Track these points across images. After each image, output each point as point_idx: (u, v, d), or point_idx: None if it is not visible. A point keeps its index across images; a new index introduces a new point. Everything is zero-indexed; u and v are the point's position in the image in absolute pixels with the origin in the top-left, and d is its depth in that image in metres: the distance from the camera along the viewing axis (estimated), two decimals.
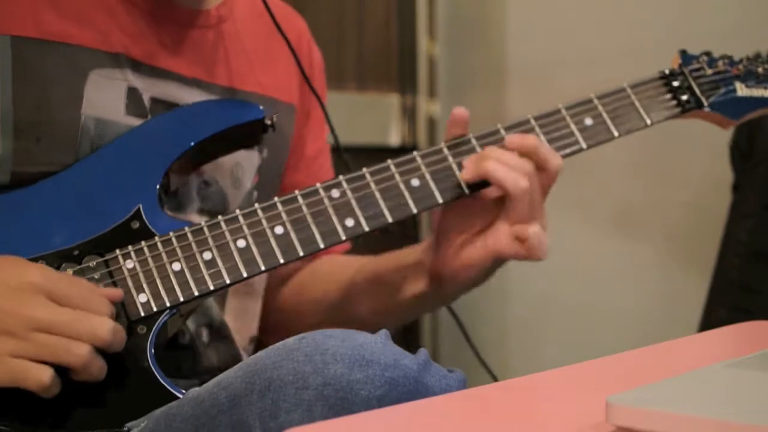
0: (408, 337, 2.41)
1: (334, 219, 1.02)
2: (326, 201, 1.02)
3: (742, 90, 1.16)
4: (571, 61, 2.26)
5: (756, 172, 1.75)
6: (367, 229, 1.03)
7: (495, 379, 1.27)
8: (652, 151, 2.24)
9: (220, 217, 1.00)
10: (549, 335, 2.38)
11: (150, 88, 1.06)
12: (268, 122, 1.06)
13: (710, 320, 1.77)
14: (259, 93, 1.17)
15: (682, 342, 0.94)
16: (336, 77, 2.41)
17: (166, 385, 0.94)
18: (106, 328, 0.90)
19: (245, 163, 1.14)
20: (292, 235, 1.00)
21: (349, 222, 1.02)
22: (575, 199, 2.36)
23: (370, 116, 2.46)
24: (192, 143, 1.04)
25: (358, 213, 1.03)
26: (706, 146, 2.07)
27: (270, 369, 0.80)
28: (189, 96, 1.09)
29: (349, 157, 1.19)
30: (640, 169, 2.25)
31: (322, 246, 1.01)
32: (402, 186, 1.04)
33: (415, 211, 1.05)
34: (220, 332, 1.13)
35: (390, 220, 1.03)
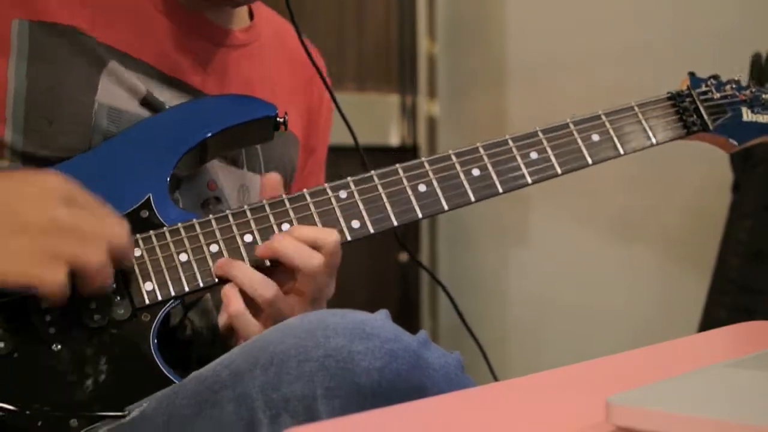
0: None
1: (341, 219, 1.03)
2: (333, 201, 1.03)
3: (747, 115, 1.18)
4: (571, 61, 2.26)
5: (756, 172, 1.75)
6: (372, 231, 1.04)
7: (496, 378, 1.27)
8: (652, 152, 2.24)
9: (227, 211, 1.02)
10: (549, 337, 2.38)
11: (169, 100, 1.08)
12: (280, 119, 1.08)
13: (710, 320, 1.78)
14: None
15: (682, 342, 0.94)
16: (336, 77, 2.41)
17: (166, 373, 0.95)
18: (123, 230, 0.93)
19: (251, 186, 1.15)
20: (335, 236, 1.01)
21: (355, 224, 1.03)
22: (575, 201, 2.36)
23: (370, 116, 2.46)
24: (204, 136, 1.05)
25: (365, 215, 1.04)
26: (706, 147, 2.07)
27: (273, 345, 0.82)
28: None
29: (365, 156, 1.21)
30: (639, 171, 2.25)
31: None
32: (409, 191, 1.06)
33: (420, 216, 1.06)
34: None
35: (395, 224, 1.05)
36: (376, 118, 2.50)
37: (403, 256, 2.51)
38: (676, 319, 2.06)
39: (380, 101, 2.52)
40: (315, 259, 0.99)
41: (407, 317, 2.50)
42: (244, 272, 0.99)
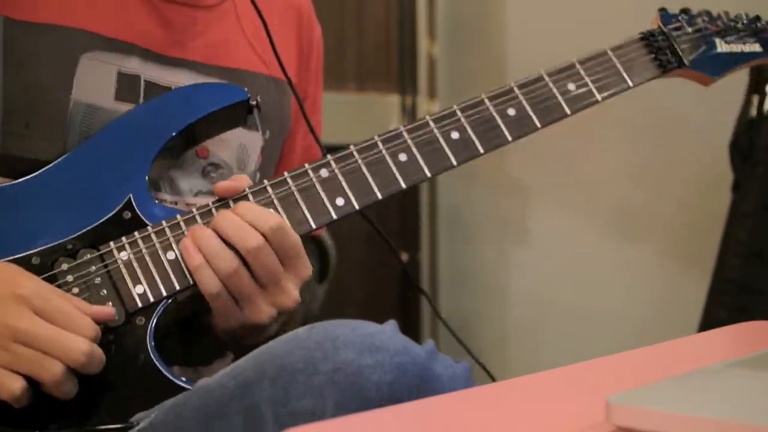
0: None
1: (325, 198, 1.02)
2: (315, 181, 1.02)
3: (722, 46, 1.17)
4: None
5: (756, 172, 1.75)
6: (357, 207, 1.03)
7: (493, 379, 1.27)
8: (652, 151, 2.24)
9: (210, 203, 1.00)
10: (549, 336, 2.38)
11: (145, 72, 1.06)
12: (253, 103, 1.06)
13: (710, 320, 1.78)
14: (259, 72, 1.16)
15: (682, 342, 0.94)
16: (336, 77, 2.41)
17: (168, 375, 0.95)
18: (81, 349, 0.89)
19: (249, 145, 1.14)
20: (283, 215, 1.00)
21: (340, 201, 1.02)
22: (574, 200, 2.36)
23: (370, 116, 2.46)
24: (176, 131, 1.03)
25: (348, 191, 1.02)
26: (706, 146, 2.07)
27: (281, 357, 0.81)
28: (184, 78, 1.09)
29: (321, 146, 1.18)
30: (639, 171, 2.25)
31: (314, 226, 1.01)
32: (390, 161, 1.04)
33: (404, 186, 1.04)
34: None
35: (380, 196, 1.03)
36: (376, 118, 2.50)
37: (404, 256, 2.51)
38: (676, 319, 2.06)
39: (380, 101, 2.52)
40: (252, 239, 0.95)
41: (407, 317, 2.50)
42: (204, 233, 0.97)
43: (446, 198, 2.57)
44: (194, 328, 1.10)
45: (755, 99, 1.76)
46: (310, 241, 1.31)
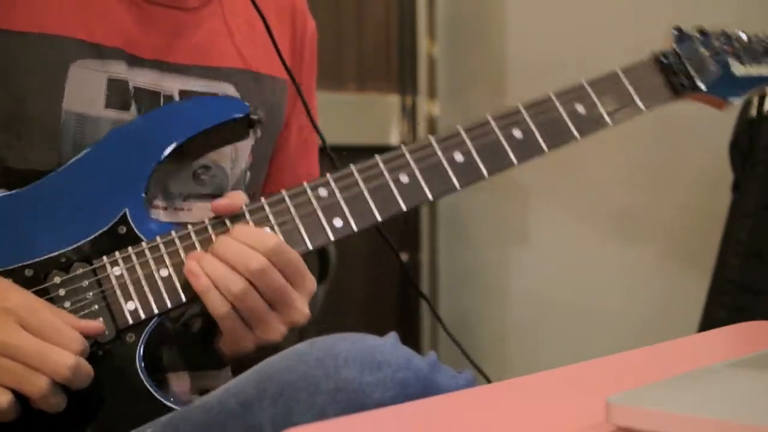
0: (407, 342, 2.41)
1: (323, 219, 0.99)
2: (314, 200, 1.00)
3: (737, 68, 1.13)
4: (571, 62, 2.25)
5: (756, 171, 1.75)
6: (355, 229, 1.00)
7: (489, 381, 1.27)
8: (652, 152, 2.24)
9: (206, 220, 0.99)
10: (549, 336, 2.38)
11: (133, 78, 1.04)
12: (255, 117, 1.04)
13: (710, 320, 1.77)
14: (249, 70, 1.14)
15: (682, 342, 0.94)
16: (336, 77, 2.41)
17: (156, 395, 0.94)
18: (66, 363, 0.88)
19: (239, 145, 1.11)
20: (280, 236, 0.98)
21: (338, 222, 1.00)
22: (574, 200, 2.36)
23: (370, 116, 2.47)
24: (174, 144, 1.01)
25: (347, 212, 1.00)
26: (706, 146, 2.07)
27: (281, 374, 0.80)
28: (172, 83, 1.07)
29: (341, 157, 1.17)
30: (639, 171, 2.25)
31: (310, 247, 0.99)
32: (391, 183, 1.01)
33: (404, 208, 1.01)
34: None
35: (379, 219, 1.00)
36: (376, 118, 2.50)
37: (404, 256, 2.51)
38: (676, 319, 2.06)
39: (380, 101, 2.52)
40: (254, 261, 0.94)
41: (407, 317, 2.50)
42: (207, 257, 0.96)
43: (446, 198, 2.56)
44: (192, 333, 1.10)
45: (755, 99, 1.76)
46: None
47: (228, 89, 1.10)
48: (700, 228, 2.10)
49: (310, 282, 0.99)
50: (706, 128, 2.00)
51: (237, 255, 0.95)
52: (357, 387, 0.77)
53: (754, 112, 1.76)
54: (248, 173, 1.14)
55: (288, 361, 0.81)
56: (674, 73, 1.10)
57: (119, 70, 1.03)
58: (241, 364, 0.98)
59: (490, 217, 2.52)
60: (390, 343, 0.82)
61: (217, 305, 0.94)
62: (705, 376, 0.69)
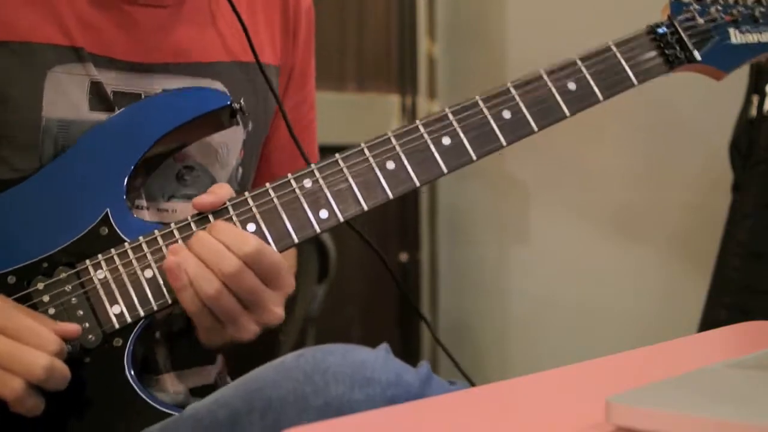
0: (408, 345, 2.41)
1: (308, 211, 0.98)
2: (298, 192, 0.98)
3: (736, 37, 1.10)
4: None
5: (756, 171, 1.75)
6: (342, 219, 0.98)
7: (473, 385, 1.26)
8: (651, 151, 2.24)
9: (189, 218, 0.97)
10: (549, 335, 2.38)
11: (111, 81, 1.02)
12: (236, 106, 1.02)
13: (710, 320, 1.77)
14: (236, 61, 1.12)
15: (682, 342, 0.93)
16: (336, 77, 2.41)
17: (146, 398, 0.93)
18: (41, 364, 0.88)
19: (231, 142, 1.10)
20: (265, 231, 0.96)
21: (324, 213, 0.98)
22: (574, 199, 2.36)
23: (370, 116, 2.46)
24: (155, 140, 1.00)
25: (333, 203, 0.98)
26: (706, 146, 2.07)
27: (269, 388, 0.79)
28: (154, 84, 1.05)
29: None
30: (638, 169, 2.25)
31: (296, 240, 0.97)
32: (377, 170, 0.99)
33: (391, 196, 0.99)
34: None
35: (366, 208, 0.98)
36: (376, 118, 2.50)
37: (404, 256, 2.51)
38: (677, 319, 2.06)
39: (380, 101, 2.52)
40: (228, 264, 0.92)
41: (407, 318, 2.50)
42: (189, 260, 0.94)
43: (446, 198, 2.57)
44: (180, 332, 1.09)
45: (755, 99, 1.76)
46: (310, 240, 1.29)
47: (214, 85, 1.08)
48: (700, 228, 2.10)
49: (287, 285, 0.97)
50: (706, 128, 2.00)
51: (212, 254, 0.93)
52: (345, 404, 0.76)
53: (754, 112, 1.76)
54: (240, 169, 1.13)
55: (276, 375, 0.80)
56: (669, 44, 1.08)
57: (101, 74, 1.01)
58: (235, 358, 0.98)
59: (490, 216, 2.52)
60: (381, 356, 0.80)
61: (189, 303, 0.93)
62: (705, 376, 0.69)
